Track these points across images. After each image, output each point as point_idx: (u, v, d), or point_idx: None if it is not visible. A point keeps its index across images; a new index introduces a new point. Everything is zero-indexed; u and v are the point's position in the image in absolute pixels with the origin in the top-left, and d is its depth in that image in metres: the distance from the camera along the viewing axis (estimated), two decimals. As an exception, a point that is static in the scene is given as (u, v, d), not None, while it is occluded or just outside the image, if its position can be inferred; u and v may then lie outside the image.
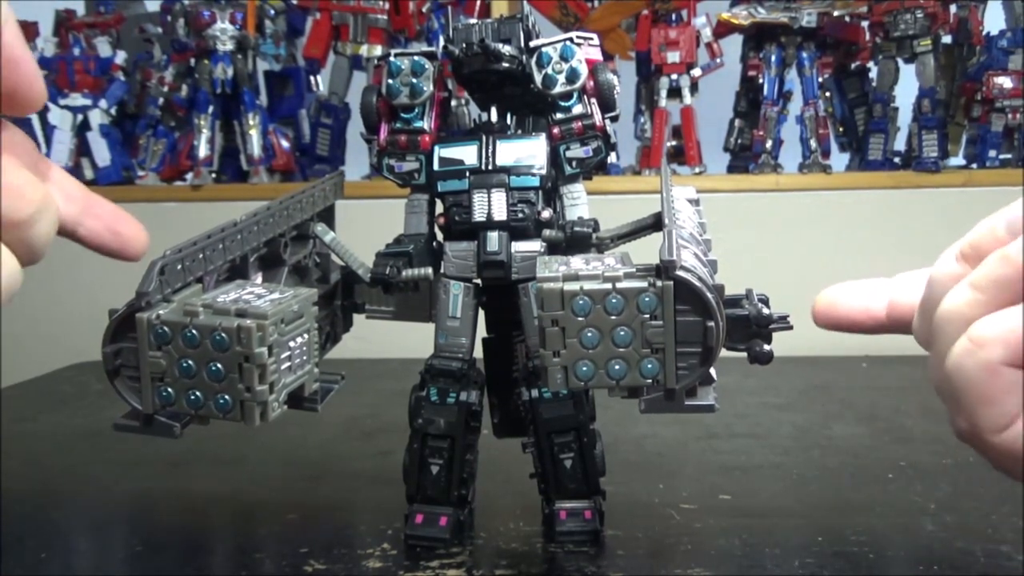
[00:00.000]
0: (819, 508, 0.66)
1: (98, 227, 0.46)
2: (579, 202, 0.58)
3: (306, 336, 0.46)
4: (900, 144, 1.39)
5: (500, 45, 0.55)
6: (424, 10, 1.41)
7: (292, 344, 0.45)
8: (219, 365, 0.42)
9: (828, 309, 0.45)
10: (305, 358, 0.46)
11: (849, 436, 0.85)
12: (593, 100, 0.57)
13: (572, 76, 0.56)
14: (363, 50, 1.40)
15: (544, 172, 0.56)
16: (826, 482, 0.72)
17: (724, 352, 0.45)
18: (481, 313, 0.60)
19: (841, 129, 1.43)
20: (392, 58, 0.59)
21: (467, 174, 0.56)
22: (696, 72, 1.37)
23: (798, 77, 1.36)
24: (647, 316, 0.43)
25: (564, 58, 0.56)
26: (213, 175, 1.42)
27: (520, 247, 0.56)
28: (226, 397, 0.43)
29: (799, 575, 0.54)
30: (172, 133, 1.45)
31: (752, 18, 1.34)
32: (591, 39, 0.58)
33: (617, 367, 0.43)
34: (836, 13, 1.34)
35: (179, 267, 0.45)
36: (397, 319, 0.62)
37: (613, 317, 0.43)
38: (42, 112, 1.50)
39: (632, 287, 0.43)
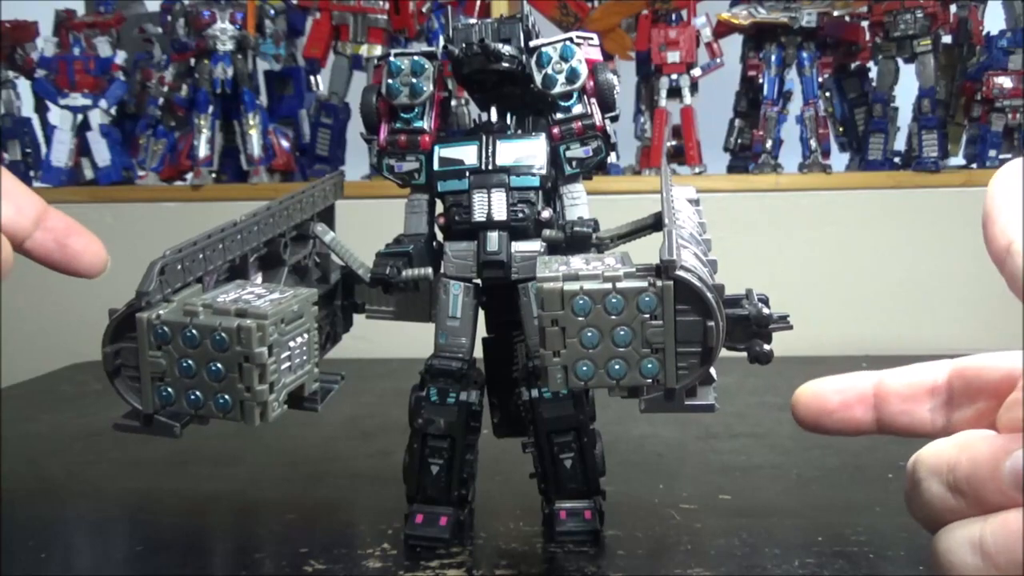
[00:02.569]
0: (819, 508, 0.66)
1: (46, 240, 0.44)
2: (579, 202, 0.58)
3: (306, 336, 0.46)
4: (900, 144, 1.39)
5: (500, 45, 0.55)
6: (424, 10, 1.41)
7: (292, 344, 0.45)
8: (219, 365, 0.42)
9: (815, 423, 0.42)
10: (305, 358, 0.46)
11: (849, 436, 0.85)
12: (593, 100, 0.57)
13: (572, 76, 0.56)
14: (363, 50, 1.40)
15: (544, 172, 0.56)
16: (826, 482, 0.72)
17: (724, 352, 0.45)
18: (481, 313, 0.60)
19: (841, 129, 1.42)
20: (392, 58, 0.59)
21: (467, 174, 0.56)
22: (696, 72, 1.37)
23: (798, 77, 1.36)
24: (647, 316, 0.43)
25: (564, 58, 0.56)
26: (213, 175, 1.42)
27: (520, 247, 0.56)
28: (226, 397, 0.43)
29: (799, 575, 0.54)
30: (172, 133, 1.45)
31: (752, 18, 1.34)
32: (591, 39, 0.58)
33: (617, 367, 0.43)
34: (836, 13, 1.34)
35: (179, 267, 0.45)
36: (397, 319, 0.62)
37: (613, 317, 0.43)
38: (42, 112, 1.50)
39: (632, 287, 0.43)
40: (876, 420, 0.39)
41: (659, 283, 0.43)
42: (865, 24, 1.35)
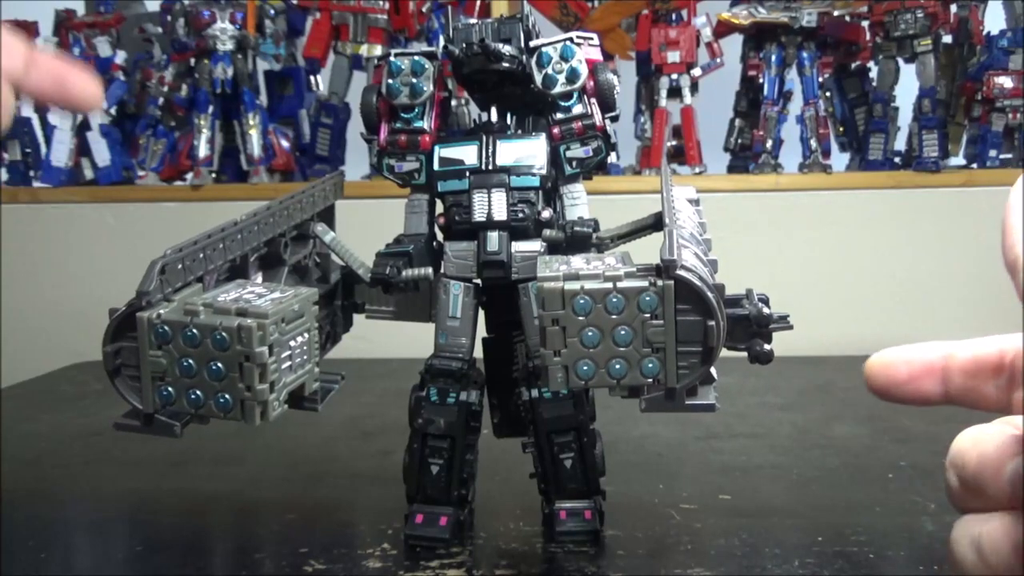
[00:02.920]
0: (819, 508, 0.66)
1: (43, 80, 0.45)
2: (579, 202, 0.58)
3: (306, 336, 0.46)
4: (900, 144, 1.39)
5: (500, 45, 0.55)
6: (424, 10, 1.41)
7: (292, 343, 0.45)
8: (220, 364, 0.42)
9: (885, 392, 0.41)
10: (305, 357, 0.46)
11: (849, 436, 0.85)
12: (593, 100, 0.57)
13: (572, 76, 0.56)
14: (363, 50, 1.40)
15: (544, 172, 0.56)
16: (826, 482, 0.72)
17: (724, 352, 0.45)
18: (481, 313, 0.60)
19: (841, 129, 1.42)
20: (392, 58, 0.59)
21: (467, 174, 0.56)
22: (696, 72, 1.36)
23: (798, 77, 1.35)
24: (648, 315, 0.43)
25: (564, 58, 0.56)
26: (213, 175, 1.42)
27: (520, 247, 0.56)
28: (226, 396, 0.43)
29: (799, 575, 0.54)
30: (172, 133, 1.44)
31: (752, 18, 1.33)
32: (591, 39, 0.58)
33: (618, 366, 0.43)
34: (836, 13, 1.34)
35: (179, 267, 0.45)
36: (397, 319, 0.62)
37: (614, 316, 0.43)
38: (42, 112, 1.50)
39: (633, 286, 0.43)
40: (944, 393, 0.39)
41: (660, 283, 0.43)
42: (865, 24, 1.35)
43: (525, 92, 0.58)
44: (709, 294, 0.43)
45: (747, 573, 0.55)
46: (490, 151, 0.57)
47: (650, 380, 0.44)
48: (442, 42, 0.57)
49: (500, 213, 0.55)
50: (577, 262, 0.46)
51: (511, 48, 0.56)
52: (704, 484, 0.71)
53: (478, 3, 1.40)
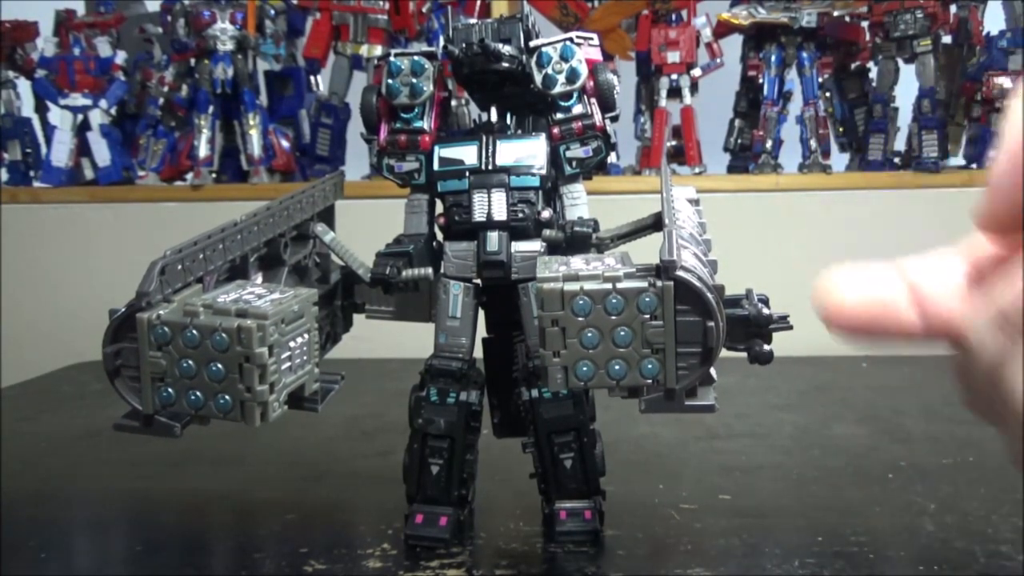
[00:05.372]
0: (819, 508, 0.66)
1: None
2: (579, 202, 0.58)
3: (306, 336, 0.46)
4: (900, 144, 1.39)
5: (500, 45, 0.55)
6: (424, 10, 1.41)
7: (292, 344, 0.45)
8: (219, 365, 0.42)
9: (837, 315, 0.32)
10: (305, 358, 0.46)
11: (849, 436, 0.85)
12: (593, 100, 0.57)
13: (572, 76, 0.56)
14: (363, 50, 1.40)
15: (544, 172, 0.56)
16: (826, 482, 0.72)
17: (724, 352, 0.45)
18: (481, 313, 0.60)
19: (841, 129, 1.42)
20: (392, 58, 0.59)
21: (467, 174, 0.56)
22: (696, 72, 1.37)
23: (798, 77, 1.36)
24: (647, 316, 0.43)
25: (564, 58, 0.56)
26: (213, 175, 1.42)
27: (520, 247, 0.56)
28: (226, 397, 0.43)
29: (799, 575, 0.54)
30: (172, 133, 1.45)
31: (752, 18, 1.34)
32: (591, 39, 0.58)
33: (617, 367, 0.43)
34: (836, 13, 1.34)
35: (179, 267, 0.45)
36: (397, 319, 0.62)
37: (613, 317, 0.43)
38: (42, 112, 1.50)
39: (632, 287, 0.43)
40: (925, 318, 0.31)
41: (659, 283, 0.43)
42: (865, 24, 1.35)
43: (525, 92, 0.58)
44: (708, 295, 0.43)
45: (747, 573, 0.55)
46: (490, 151, 0.57)
47: (649, 381, 0.44)
48: (442, 42, 0.57)
49: (500, 213, 0.55)
50: (577, 263, 0.46)
51: (511, 48, 0.56)
52: (704, 484, 0.71)
53: (478, 3, 1.40)
